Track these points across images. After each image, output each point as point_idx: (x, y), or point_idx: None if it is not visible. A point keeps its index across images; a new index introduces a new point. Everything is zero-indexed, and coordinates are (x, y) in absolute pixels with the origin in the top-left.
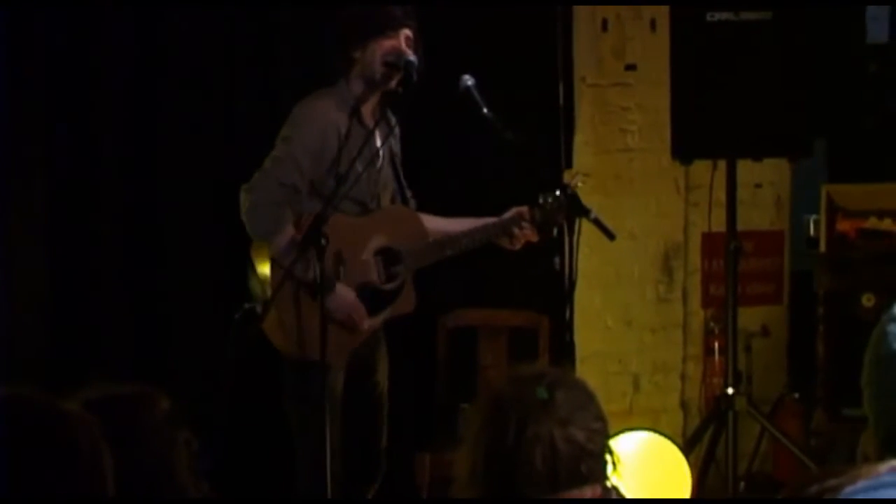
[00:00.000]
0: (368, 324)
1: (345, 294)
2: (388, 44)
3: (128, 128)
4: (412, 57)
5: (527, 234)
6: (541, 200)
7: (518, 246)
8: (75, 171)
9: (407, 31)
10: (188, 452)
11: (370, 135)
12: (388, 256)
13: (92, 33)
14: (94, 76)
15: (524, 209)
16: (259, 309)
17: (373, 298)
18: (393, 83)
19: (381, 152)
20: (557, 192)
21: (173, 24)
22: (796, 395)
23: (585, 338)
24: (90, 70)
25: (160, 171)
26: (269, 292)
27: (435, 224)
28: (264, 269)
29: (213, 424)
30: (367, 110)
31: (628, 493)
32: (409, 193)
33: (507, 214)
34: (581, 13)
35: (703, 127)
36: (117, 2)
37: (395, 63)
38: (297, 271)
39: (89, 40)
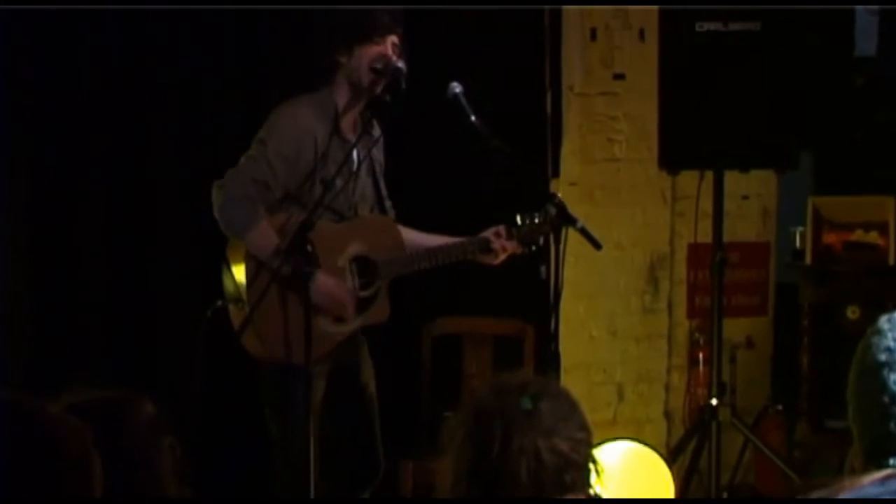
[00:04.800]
0: (344, 329)
1: (325, 280)
2: (375, 50)
3: (109, 131)
4: (400, 64)
5: (507, 246)
6: (519, 221)
7: (500, 260)
8: (57, 176)
9: (394, 38)
10: (172, 457)
11: (350, 149)
12: (363, 265)
13: (77, 34)
14: (79, 76)
15: (501, 228)
16: (231, 307)
17: None
18: (378, 90)
19: (361, 164)
20: (535, 214)
21: (158, 25)
22: (780, 407)
23: (570, 347)
24: (75, 71)
25: (142, 174)
26: (242, 291)
27: (412, 237)
28: (239, 268)
29: (190, 425)
30: (349, 120)
31: None
32: (388, 204)
33: (485, 233)
34: (570, 22)
35: (691, 137)
36: (104, 4)
37: (382, 70)
38: (277, 269)
39: (75, 42)
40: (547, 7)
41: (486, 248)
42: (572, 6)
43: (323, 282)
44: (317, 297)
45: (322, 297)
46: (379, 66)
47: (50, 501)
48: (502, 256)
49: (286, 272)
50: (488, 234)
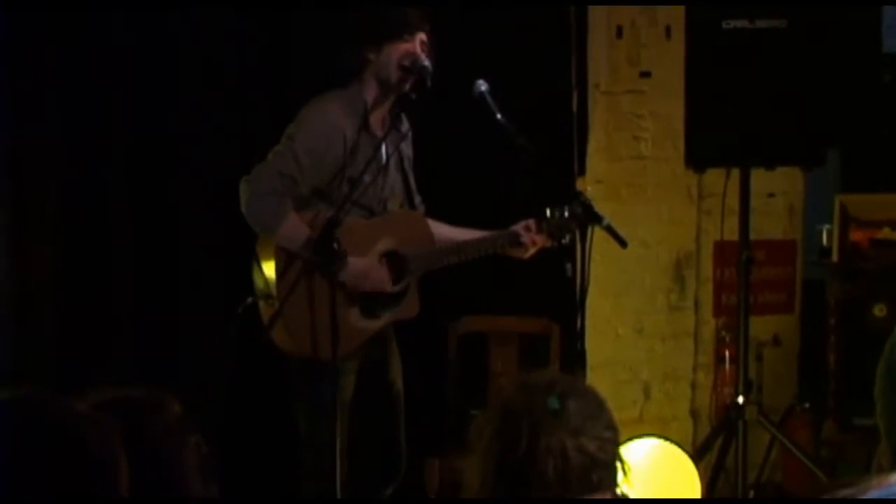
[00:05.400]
0: (374, 325)
1: (358, 261)
2: (403, 47)
3: (137, 129)
4: (427, 62)
5: (537, 239)
6: (548, 214)
7: (530, 254)
8: (85, 173)
9: (423, 36)
10: (198, 456)
11: (379, 145)
12: (393, 260)
13: (103, 34)
14: (105, 73)
15: (531, 222)
16: (262, 304)
17: (376, 300)
18: (406, 87)
19: (389, 160)
20: (565, 207)
21: (186, 20)
22: (807, 405)
23: (596, 345)
24: (100, 68)
25: (170, 171)
26: (272, 287)
27: (442, 231)
28: (269, 264)
29: (216, 423)
30: (378, 117)
31: None
32: (418, 199)
33: (514, 227)
34: (596, 19)
35: (717, 135)
36: (129, 4)
37: (409, 67)
38: (309, 258)
39: (100, 42)
40: (573, 5)
41: (516, 241)
42: (598, 4)
43: (353, 263)
44: (352, 280)
45: (357, 279)
46: (407, 63)
47: (76, 500)
48: (532, 250)
49: (316, 260)
50: (518, 227)
